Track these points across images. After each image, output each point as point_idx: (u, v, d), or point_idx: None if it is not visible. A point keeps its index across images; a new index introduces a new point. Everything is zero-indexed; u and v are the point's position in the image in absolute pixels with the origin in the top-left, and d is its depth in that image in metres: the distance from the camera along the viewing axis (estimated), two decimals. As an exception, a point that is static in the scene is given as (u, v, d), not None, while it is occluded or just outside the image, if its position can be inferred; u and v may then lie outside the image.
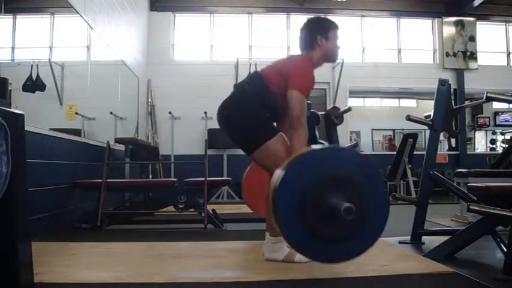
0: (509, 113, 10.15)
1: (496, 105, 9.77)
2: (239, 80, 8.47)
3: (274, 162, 1.92)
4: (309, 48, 2.18)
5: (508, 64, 8.76)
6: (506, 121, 10.10)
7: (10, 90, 2.95)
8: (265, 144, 2.03)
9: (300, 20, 8.33)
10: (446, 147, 9.29)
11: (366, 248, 1.62)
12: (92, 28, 4.42)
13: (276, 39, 8.34)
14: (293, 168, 1.59)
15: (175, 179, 3.94)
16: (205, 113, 7.62)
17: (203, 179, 3.58)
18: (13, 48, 3.68)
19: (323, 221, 1.53)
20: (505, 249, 2.02)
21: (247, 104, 2.10)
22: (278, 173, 1.63)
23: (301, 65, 2.12)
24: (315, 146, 1.82)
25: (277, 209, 1.56)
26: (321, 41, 2.16)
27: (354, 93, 8.59)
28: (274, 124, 2.23)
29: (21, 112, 1.64)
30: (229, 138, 2.18)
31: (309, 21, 2.24)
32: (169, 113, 7.61)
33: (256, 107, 2.09)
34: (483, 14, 8.50)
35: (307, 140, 2.07)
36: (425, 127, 3.01)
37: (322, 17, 2.30)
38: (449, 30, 8.48)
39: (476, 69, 8.41)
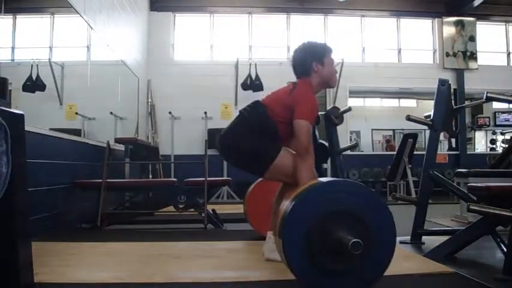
0: (509, 113, 10.14)
1: (496, 105, 9.77)
2: (239, 80, 8.46)
3: (286, 176, 2.04)
4: (306, 74, 2.18)
5: (508, 64, 8.76)
6: (506, 120, 10.09)
7: (10, 90, 2.95)
8: (273, 164, 2.05)
9: (300, 20, 8.40)
10: (446, 147, 9.30)
11: (373, 281, 1.61)
12: (92, 28, 4.42)
13: (276, 39, 8.35)
14: (301, 201, 1.59)
15: (175, 179, 3.94)
16: (205, 113, 7.62)
17: (203, 179, 3.58)
18: (13, 48, 3.68)
19: (330, 255, 1.53)
20: (505, 249, 2.02)
21: (247, 132, 2.11)
22: (286, 205, 1.64)
23: (303, 95, 2.11)
24: (322, 179, 1.81)
25: (285, 241, 1.56)
26: (317, 67, 2.17)
27: (354, 93, 8.59)
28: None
29: (21, 112, 1.64)
30: (234, 166, 2.19)
31: (303, 46, 2.22)
32: (169, 113, 7.61)
33: (255, 133, 2.10)
34: (483, 14, 8.51)
35: (313, 168, 2.09)
36: (425, 127, 3.01)
37: (315, 42, 2.27)
38: (449, 30, 8.48)
39: (476, 69, 8.41)
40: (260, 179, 2.80)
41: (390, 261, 1.62)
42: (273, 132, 2.11)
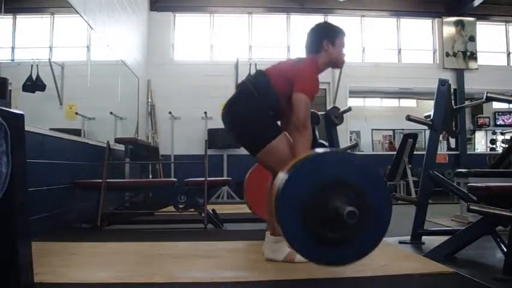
0: (509, 114, 10.14)
1: (496, 105, 9.78)
2: (239, 80, 8.48)
3: (278, 163, 1.93)
4: (315, 51, 2.19)
5: (508, 64, 8.76)
6: (507, 119, 10.10)
7: (10, 90, 2.95)
8: (269, 145, 2.03)
9: (300, 20, 8.40)
10: (446, 147, 9.30)
11: (368, 251, 1.62)
12: (92, 28, 4.42)
13: (276, 39, 8.35)
14: (297, 171, 1.59)
15: (175, 179, 3.94)
16: (205, 113, 7.62)
17: (203, 179, 3.58)
18: (13, 48, 3.68)
19: (325, 224, 1.53)
20: (505, 249, 2.03)
21: (252, 104, 2.09)
22: (282, 176, 1.64)
23: (307, 69, 2.11)
24: (318, 150, 1.81)
25: (280, 211, 1.56)
26: (327, 45, 2.17)
27: (354, 93, 8.59)
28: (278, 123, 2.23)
29: (21, 112, 1.64)
30: (234, 139, 2.17)
31: (318, 25, 2.26)
32: (169, 113, 7.61)
33: (260, 106, 2.09)
34: (483, 14, 8.50)
35: (311, 142, 2.06)
36: (425, 127, 3.01)
37: (331, 23, 2.31)
38: (449, 30, 8.48)
39: (476, 69, 8.41)
40: (257, 164, 2.80)
41: (385, 232, 1.63)
42: (274, 104, 2.09)
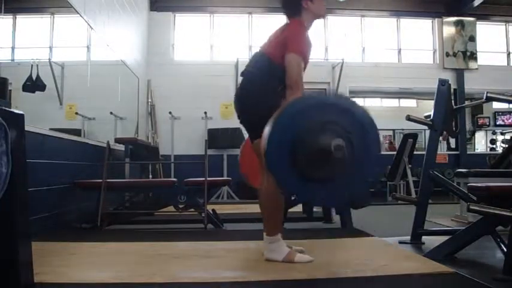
0: (509, 114, 10.14)
1: (496, 105, 9.77)
2: (239, 80, 8.42)
3: None
4: (296, 14, 2.19)
5: (508, 64, 8.76)
6: (507, 119, 10.09)
7: (10, 90, 2.94)
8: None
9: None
10: (446, 147, 9.29)
11: (359, 189, 1.64)
12: (92, 28, 4.42)
13: (276, 39, 8.34)
14: (281, 119, 1.62)
15: (175, 179, 3.94)
16: (205, 113, 7.62)
17: (203, 179, 3.58)
18: (13, 48, 3.68)
19: (316, 164, 1.57)
20: (505, 249, 2.03)
21: (260, 91, 2.10)
22: (268, 126, 1.66)
23: (295, 30, 2.13)
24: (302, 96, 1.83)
25: (268, 155, 1.59)
26: (306, 4, 2.17)
27: (354, 93, 8.58)
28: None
29: (21, 112, 1.64)
30: (241, 121, 2.21)
31: None
32: (169, 113, 7.61)
33: (268, 89, 2.08)
34: (483, 14, 8.51)
35: None
36: (425, 127, 3.01)
37: None
38: (449, 30, 8.48)
39: (476, 69, 8.41)
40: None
41: (374, 171, 1.68)
42: (280, 76, 2.07)
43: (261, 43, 2.27)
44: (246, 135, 2.57)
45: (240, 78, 2.29)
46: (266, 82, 2.10)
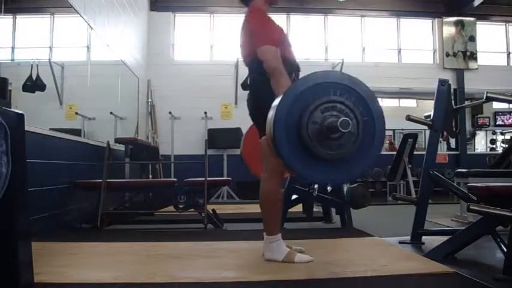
0: (509, 114, 10.14)
1: (496, 105, 9.77)
2: (239, 80, 8.43)
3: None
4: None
5: (508, 64, 8.77)
6: (507, 119, 10.09)
7: (10, 90, 2.94)
8: None
9: (300, 20, 8.40)
10: (446, 147, 9.29)
11: (364, 167, 1.67)
12: (92, 28, 4.42)
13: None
14: (289, 93, 1.63)
15: (175, 179, 3.94)
16: (205, 113, 7.62)
17: (203, 179, 3.58)
18: (13, 48, 3.68)
19: (324, 143, 1.59)
20: (505, 249, 2.02)
21: (262, 91, 2.09)
22: (271, 113, 1.67)
23: (255, 20, 2.13)
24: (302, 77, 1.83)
25: (275, 134, 1.60)
26: None
27: (353, 93, 8.57)
28: None
29: (21, 112, 1.64)
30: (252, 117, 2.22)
31: None
32: (169, 113, 7.61)
33: (264, 89, 2.06)
34: (483, 14, 8.51)
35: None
36: (425, 127, 3.01)
37: None
38: (449, 30, 8.48)
39: (476, 69, 8.41)
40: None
41: (379, 150, 1.71)
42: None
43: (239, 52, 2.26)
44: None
45: (240, 80, 2.31)
46: (263, 81, 2.08)
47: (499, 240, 2.17)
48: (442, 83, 2.91)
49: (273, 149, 1.65)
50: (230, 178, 4.54)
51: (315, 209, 4.03)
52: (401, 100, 10.78)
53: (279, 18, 8.52)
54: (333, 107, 1.60)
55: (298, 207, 3.92)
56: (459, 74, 8.39)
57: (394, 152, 6.37)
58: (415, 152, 6.02)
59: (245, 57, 2.22)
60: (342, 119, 1.52)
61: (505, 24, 8.84)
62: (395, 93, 9.72)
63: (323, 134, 1.58)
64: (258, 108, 2.12)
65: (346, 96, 1.62)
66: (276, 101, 1.68)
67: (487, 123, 10.03)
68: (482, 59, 8.54)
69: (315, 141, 1.58)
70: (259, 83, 2.13)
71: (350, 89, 1.65)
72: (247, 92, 2.26)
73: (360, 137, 1.62)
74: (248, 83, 2.26)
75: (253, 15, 2.16)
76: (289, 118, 1.60)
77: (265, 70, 2.02)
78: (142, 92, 7.14)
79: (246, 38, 2.17)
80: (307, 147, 1.58)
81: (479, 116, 10.01)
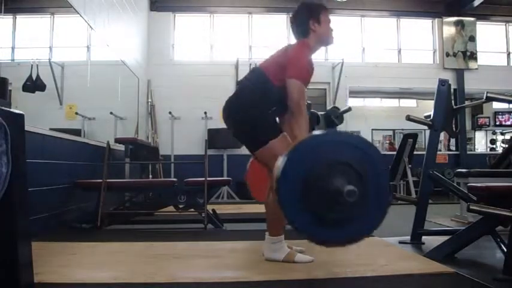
0: (509, 114, 10.14)
1: (496, 105, 9.78)
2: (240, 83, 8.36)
3: (274, 161, 1.93)
4: (303, 35, 2.18)
5: (508, 64, 8.76)
6: (507, 119, 10.09)
7: (10, 90, 2.95)
8: (269, 144, 2.03)
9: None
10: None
11: (370, 230, 1.63)
12: (92, 28, 4.42)
13: (276, 39, 8.34)
14: (293, 156, 1.60)
15: (175, 179, 3.94)
16: (205, 113, 7.62)
17: (203, 179, 3.58)
18: (13, 48, 3.69)
19: (326, 205, 1.55)
20: (505, 249, 2.03)
21: (251, 101, 2.10)
22: (280, 161, 1.64)
23: (296, 53, 2.11)
24: (314, 132, 1.81)
25: (281, 197, 1.58)
26: (314, 25, 2.16)
27: (354, 93, 8.59)
28: (277, 119, 2.23)
29: (21, 112, 1.64)
30: (234, 136, 2.18)
31: (299, 8, 2.23)
32: (169, 113, 7.61)
33: (259, 103, 2.09)
34: (483, 14, 8.51)
35: (308, 127, 2.07)
36: (425, 127, 3.01)
37: (310, 1, 2.28)
38: (449, 30, 8.48)
39: (476, 69, 8.41)
40: None
41: (385, 213, 1.62)
42: (275, 98, 2.09)
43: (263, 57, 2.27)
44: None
45: (240, 78, 2.30)
46: (260, 103, 2.09)
47: (499, 240, 2.17)
48: (442, 83, 2.91)
49: (276, 200, 1.63)
50: (230, 178, 4.54)
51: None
52: (401, 100, 10.79)
53: (279, 18, 8.56)
54: (342, 170, 1.56)
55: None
56: (459, 74, 8.39)
57: (394, 152, 6.37)
58: (415, 152, 6.03)
59: (261, 65, 2.19)
60: (349, 188, 1.47)
61: (505, 24, 8.84)
62: (395, 93, 9.75)
63: (328, 195, 1.55)
64: (244, 124, 2.10)
65: (355, 159, 1.59)
66: (288, 150, 1.65)
67: (487, 123, 10.03)
68: (482, 59, 8.53)
69: (318, 200, 1.55)
70: (251, 94, 2.11)
71: (359, 150, 1.62)
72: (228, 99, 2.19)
73: (365, 203, 1.56)
74: (238, 87, 2.22)
75: (301, 48, 2.15)
76: (296, 171, 1.57)
77: (289, 107, 2.03)
78: (142, 92, 7.13)
79: (279, 57, 2.15)
80: (310, 204, 1.55)
81: (479, 116, 10.01)
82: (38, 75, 3.72)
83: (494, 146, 9.77)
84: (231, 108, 2.15)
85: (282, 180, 1.58)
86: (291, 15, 2.27)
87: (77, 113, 4.44)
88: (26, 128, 1.67)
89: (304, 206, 1.55)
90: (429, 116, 2.94)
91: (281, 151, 1.99)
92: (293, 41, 2.27)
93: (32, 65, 3.72)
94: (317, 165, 1.56)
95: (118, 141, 4.70)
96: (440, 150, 8.93)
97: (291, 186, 1.56)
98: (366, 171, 1.58)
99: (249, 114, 2.09)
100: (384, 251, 2.45)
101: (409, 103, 10.68)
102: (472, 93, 8.31)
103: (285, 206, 1.57)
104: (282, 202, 1.57)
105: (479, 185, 2.35)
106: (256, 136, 2.08)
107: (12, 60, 3.69)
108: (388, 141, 10.54)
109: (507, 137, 9.64)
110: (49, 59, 4.03)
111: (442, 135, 6.90)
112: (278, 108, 2.13)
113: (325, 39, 2.22)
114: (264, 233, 2.19)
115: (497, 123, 10.08)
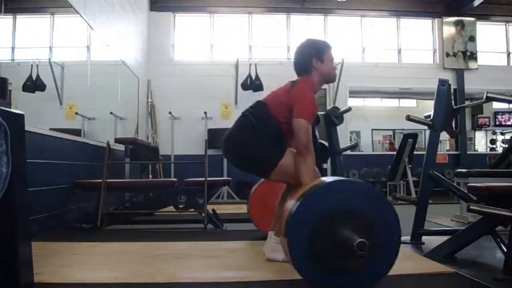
0: (509, 114, 10.14)
1: (496, 105, 9.78)
2: (239, 80, 8.45)
3: (291, 176, 2.03)
4: (306, 72, 2.19)
5: (508, 64, 8.77)
6: (507, 119, 10.09)
7: (10, 90, 2.94)
8: (278, 165, 2.06)
9: (300, 20, 8.40)
10: (447, 147, 9.29)
11: (378, 278, 1.62)
12: (92, 28, 4.42)
13: (276, 39, 8.34)
14: (305, 201, 1.60)
15: (175, 179, 3.94)
16: (205, 113, 7.62)
17: (203, 179, 3.58)
18: (13, 48, 3.68)
19: (335, 254, 1.54)
20: (505, 249, 2.03)
21: (252, 135, 2.11)
22: (291, 204, 1.65)
23: (302, 92, 2.11)
24: (325, 178, 1.82)
25: (290, 241, 1.58)
26: (317, 63, 2.17)
27: (354, 93, 8.59)
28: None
29: (21, 112, 1.64)
30: (238, 167, 2.19)
31: (302, 45, 2.25)
32: (169, 113, 7.61)
33: (259, 135, 2.11)
34: (483, 14, 8.51)
35: (314, 166, 2.09)
36: (425, 127, 3.01)
37: (315, 39, 2.30)
38: (449, 30, 8.48)
39: (476, 69, 8.41)
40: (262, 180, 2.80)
41: (394, 261, 1.63)
42: (275, 131, 2.11)
43: (265, 95, 2.28)
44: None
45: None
46: (257, 132, 2.10)
47: (499, 240, 2.17)
48: (442, 83, 2.91)
49: (285, 245, 1.63)
50: (230, 178, 4.54)
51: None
52: (401, 100, 10.79)
53: (279, 18, 8.56)
54: (353, 221, 1.56)
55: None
56: (459, 74, 8.39)
57: (394, 152, 6.37)
58: (415, 152, 6.02)
59: (265, 99, 2.20)
60: (359, 240, 1.46)
61: (505, 24, 8.84)
62: (395, 93, 9.76)
63: (337, 245, 1.54)
64: (246, 159, 2.14)
65: (364, 208, 1.58)
66: (300, 193, 1.66)
67: (487, 123, 10.03)
68: (482, 59, 8.54)
69: (327, 249, 1.55)
70: (252, 131, 2.12)
71: (366, 199, 1.61)
72: (229, 135, 2.19)
73: (374, 255, 1.55)
74: (239, 120, 2.21)
75: (303, 84, 2.15)
76: (306, 216, 1.57)
77: (296, 148, 2.04)
78: (142, 92, 7.13)
79: (282, 97, 2.15)
80: (318, 252, 1.55)
81: (479, 116, 10.02)
82: (38, 75, 3.72)
83: (494, 146, 9.77)
84: (231, 146, 2.18)
85: (292, 225, 1.58)
86: (295, 50, 2.27)
87: (77, 113, 4.43)
88: (26, 128, 1.67)
89: (313, 257, 1.55)
90: (429, 116, 2.94)
91: (291, 165, 2.04)
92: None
93: (32, 65, 3.72)
94: (326, 215, 1.56)
95: (118, 141, 4.70)
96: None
97: (299, 237, 1.56)
98: (376, 220, 1.58)
99: (249, 151, 2.12)
100: (384, 251, 2.44)
101: (409, 103, 10.69)
102: (472, 93, 8.31)
103: (294, 256, 1.57)
104: (291, 247, 1.57)
105: (479, 185, 2.34)
106: (262, 166, 2.12)
107: (12, 60, 3.69)
108: (388, 141, 10.55)
109: (507, 137, 9.64)
110: (49, 59, 4.03)
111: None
112: (279, 141, 2.15)
113: (327, 78, 2.25)
114: (267, 233, 2.20)
115: (497, 123, 10.10)
